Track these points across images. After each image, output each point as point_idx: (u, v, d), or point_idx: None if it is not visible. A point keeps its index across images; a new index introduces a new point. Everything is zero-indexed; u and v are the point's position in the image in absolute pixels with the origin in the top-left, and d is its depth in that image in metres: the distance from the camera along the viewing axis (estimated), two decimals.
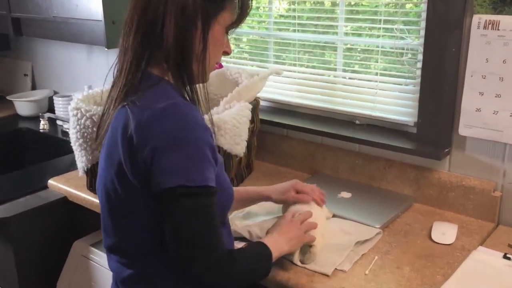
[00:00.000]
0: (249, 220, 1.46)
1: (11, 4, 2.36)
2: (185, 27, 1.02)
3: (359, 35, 1.77)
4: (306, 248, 1.27)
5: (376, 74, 1.74)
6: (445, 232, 1.42)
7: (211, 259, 0.99)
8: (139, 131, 0.98)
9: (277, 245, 1.17)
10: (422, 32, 1.55)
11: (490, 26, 1.40)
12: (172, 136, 0.97)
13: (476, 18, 1.42)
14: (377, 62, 1.72)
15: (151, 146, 0.96)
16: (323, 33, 1.84)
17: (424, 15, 1.53)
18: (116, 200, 1.05)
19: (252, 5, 1.12)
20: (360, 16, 1.75)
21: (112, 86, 1.09)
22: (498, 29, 1.39)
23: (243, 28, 2.07)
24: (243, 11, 1.10)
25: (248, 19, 2.04)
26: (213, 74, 1.81)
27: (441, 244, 1.38)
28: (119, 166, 1.01)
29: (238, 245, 1.28)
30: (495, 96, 1.43)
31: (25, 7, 2.29)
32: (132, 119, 0.99)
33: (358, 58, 1.79)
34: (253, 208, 1.49)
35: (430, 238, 1.41)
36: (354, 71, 1.81)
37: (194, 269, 0.98)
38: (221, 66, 2.00)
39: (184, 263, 0.98)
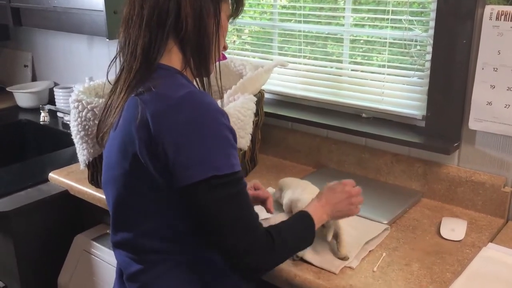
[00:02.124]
0: None
1: None
2: (201, 9, 1.02)
3: (363, 26, 1.73)
4: (335, 241, 1.26)
5: (384, 66, 1.70)
6: (454, 228, 1.39)
7: (253, 241, 0.99)
8: (156, 121, 0.95)
9: (322, 215, 1.17)
10: (432, 23, 1.51)
11: (502, 17, 1.36)
12: (193, 126, 0.94)
13: (488, 9, 1.38)
14: (385, 54, 1.69)
15: (173, 137, 0.94)
16: (329, 24, 1.81)
17: (434, 5, 1.49)
18: (130, 194, 1.03)
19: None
20: (367, 7, 1.71)
21: (118, 78, 1.06)
22: (510, 21, 1.35)
23: (246, 19, 2.03)
24: (238, 3, 1.12)
25: (251, 10, 2.01)
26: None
27: (450, 240, 1.35)
28: (134, 158, 0.98)
29: None
30: (507, 89, 1.40)
31: None
32: (147, 109, 0.96)
33: (364, 50, 1.75)
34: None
35: (439, 234, 1.38)
36: (360, 63, 1.77)
37: (239, 254, 0.98)
38: (224, 57, 1.96)
39: (227, 250, 0.99)
